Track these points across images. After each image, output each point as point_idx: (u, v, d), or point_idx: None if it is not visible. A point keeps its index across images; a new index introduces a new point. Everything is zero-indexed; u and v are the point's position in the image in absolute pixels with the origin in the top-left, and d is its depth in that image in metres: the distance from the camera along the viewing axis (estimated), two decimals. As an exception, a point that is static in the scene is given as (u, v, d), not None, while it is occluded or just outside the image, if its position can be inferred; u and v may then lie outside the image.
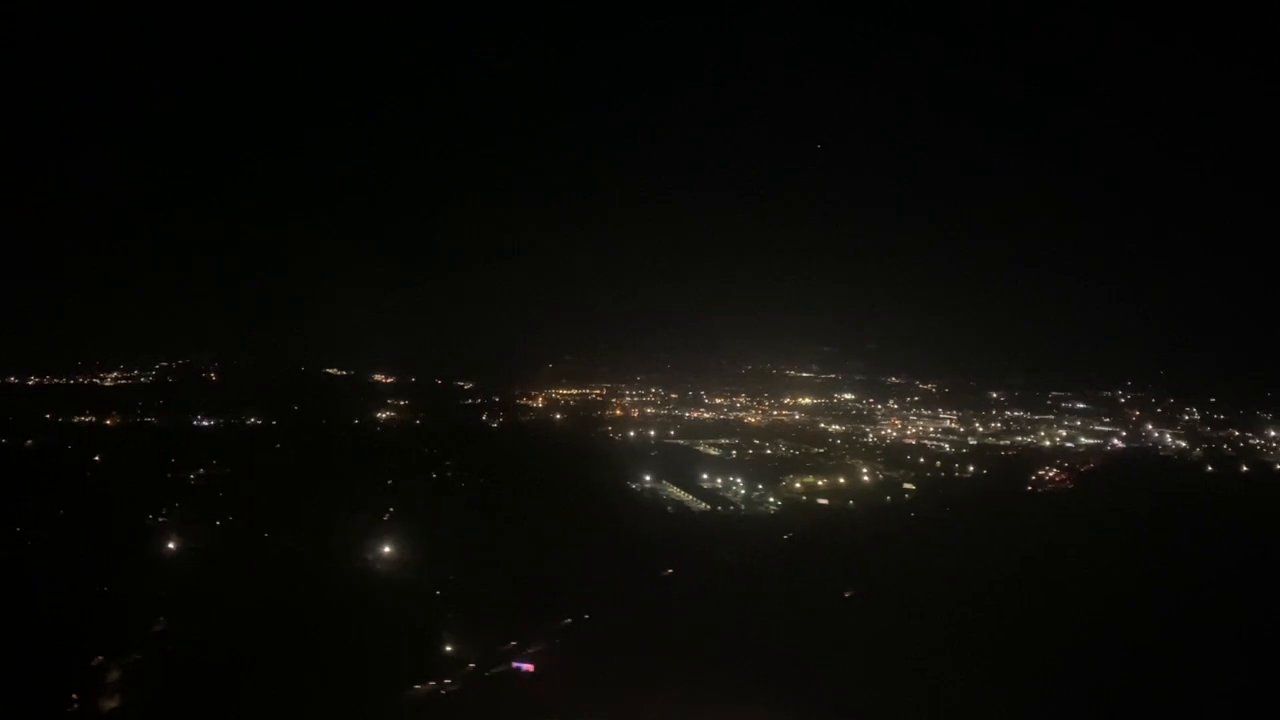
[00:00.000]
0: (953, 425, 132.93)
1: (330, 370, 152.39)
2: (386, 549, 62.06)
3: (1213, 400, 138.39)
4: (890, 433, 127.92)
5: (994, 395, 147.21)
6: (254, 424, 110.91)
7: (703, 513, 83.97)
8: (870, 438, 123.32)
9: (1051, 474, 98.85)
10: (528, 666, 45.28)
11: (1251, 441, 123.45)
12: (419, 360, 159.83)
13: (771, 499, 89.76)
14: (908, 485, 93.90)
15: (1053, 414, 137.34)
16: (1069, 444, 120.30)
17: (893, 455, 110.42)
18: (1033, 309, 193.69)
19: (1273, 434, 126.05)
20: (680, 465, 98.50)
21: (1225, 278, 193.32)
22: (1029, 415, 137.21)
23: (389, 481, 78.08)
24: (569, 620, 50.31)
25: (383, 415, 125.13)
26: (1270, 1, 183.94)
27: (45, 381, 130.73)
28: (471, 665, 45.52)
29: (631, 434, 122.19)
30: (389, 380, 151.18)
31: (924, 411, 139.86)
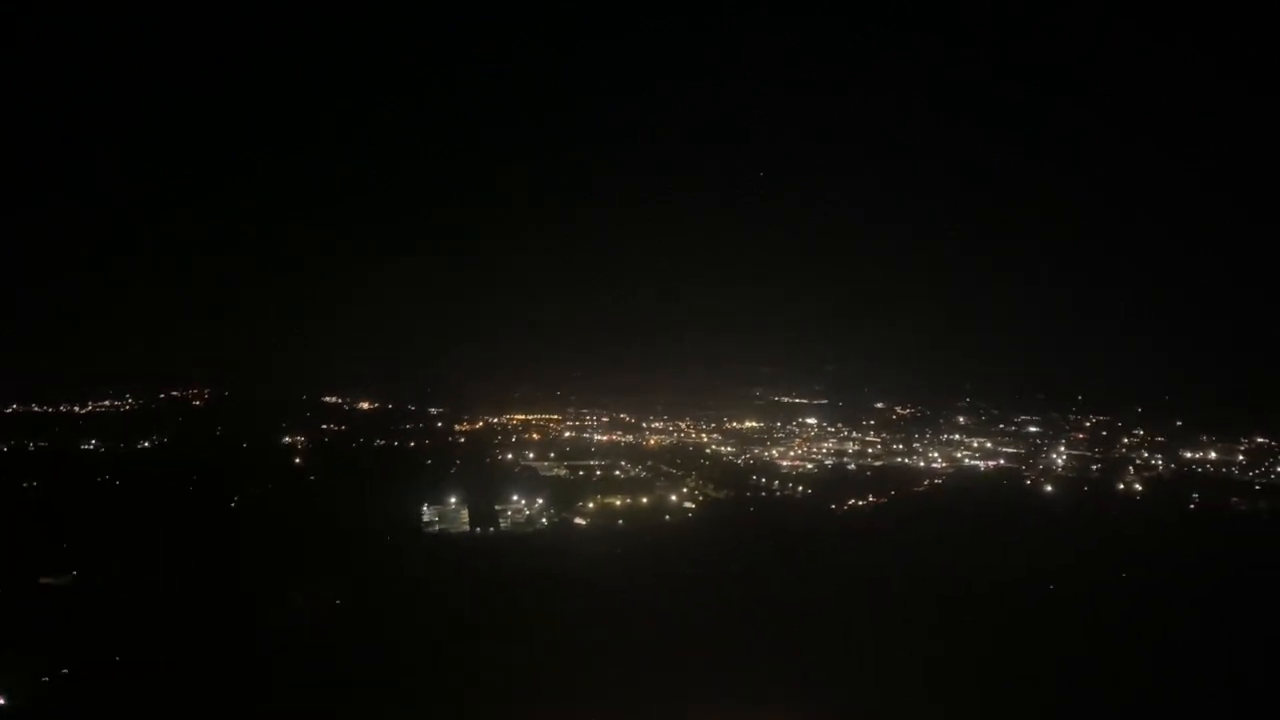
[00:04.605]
0: (854, 448, 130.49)
1: (328, 398, 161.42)
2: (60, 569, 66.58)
3: (1179, 424, 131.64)
4: (774, 454, 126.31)
5: (961, 420, 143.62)
6: (142, 448, 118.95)
7: (456, 534, 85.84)
8: (742, 459, 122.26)
9: (869, 497, 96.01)
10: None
11: (1153, 464, 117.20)
12: (414, 386, 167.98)
13: (544, 520, 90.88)
14: (689, 505, 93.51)
15: (982, 436, 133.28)
16: (936, 464, 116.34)
17: (734, 476, 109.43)
18: (1038, 333, 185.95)
19: (1188, 455, 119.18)
20: (501, 487, 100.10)
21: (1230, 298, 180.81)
22: (960, 438, 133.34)
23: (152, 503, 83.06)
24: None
25: (289, 440, 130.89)
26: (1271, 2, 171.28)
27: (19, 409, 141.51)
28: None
29: (509, 456, 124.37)
30: (371, 407, 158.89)
31: (854, 434, 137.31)
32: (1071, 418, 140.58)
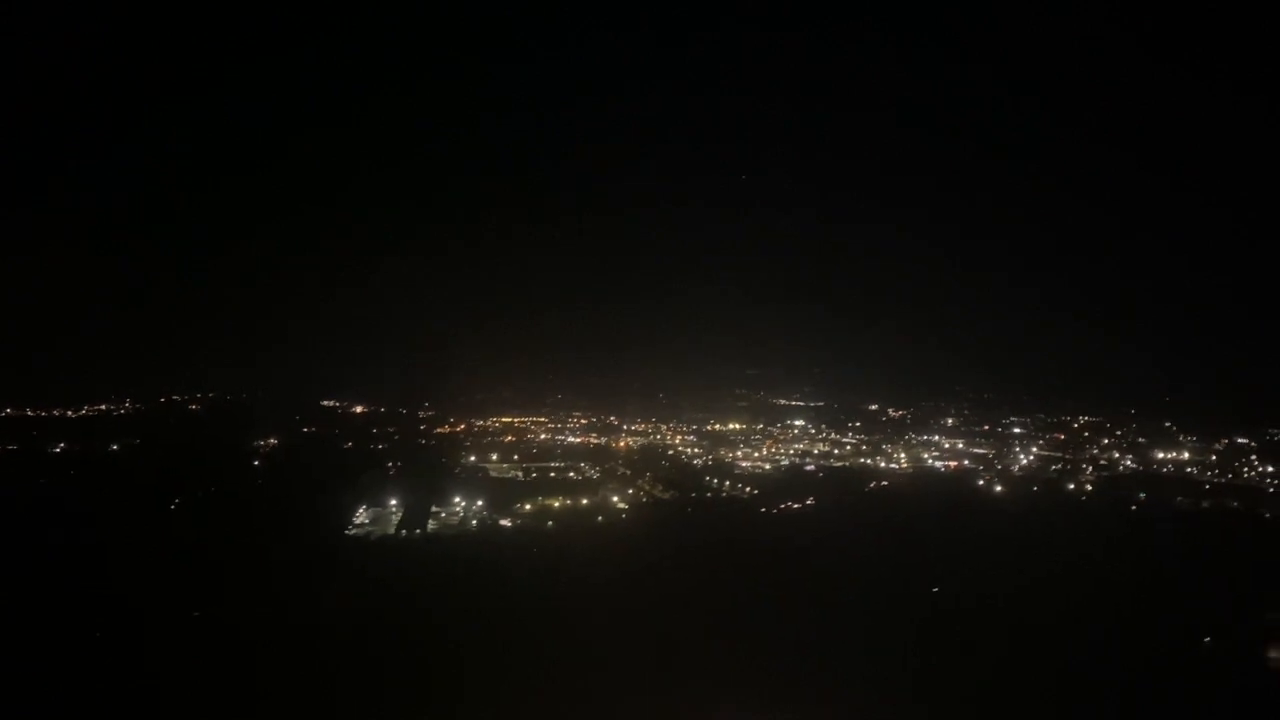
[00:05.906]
0: (821, 449, 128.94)
1: (327, 402, 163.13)
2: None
3: (1168, 425, 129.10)
4: (737, 455, 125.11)
5: (949, 422, 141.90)
6: (111, 450, 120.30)
7: (378, 538, 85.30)
8: (700, 461, 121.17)
9: (808, 499, 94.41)
10: None
11: (1118, 464, 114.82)
12: (411, 389, 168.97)
13: (475, 522, 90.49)
14: (622, 505, 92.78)
15: (958, 438, 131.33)
16: (897, 466, 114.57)
17: (687, 476, 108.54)
18: (1040, 336, 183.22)
19: (1160, 455, 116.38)
20: (446, 488, 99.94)
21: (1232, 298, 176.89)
22: (938, 439, 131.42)
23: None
24: None
25: (260, 444, 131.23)
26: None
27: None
28: None
29: (472, 458, 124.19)
30: (363, 410, 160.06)
31: (831, 435, 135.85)
32: (1059, 419, 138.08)
